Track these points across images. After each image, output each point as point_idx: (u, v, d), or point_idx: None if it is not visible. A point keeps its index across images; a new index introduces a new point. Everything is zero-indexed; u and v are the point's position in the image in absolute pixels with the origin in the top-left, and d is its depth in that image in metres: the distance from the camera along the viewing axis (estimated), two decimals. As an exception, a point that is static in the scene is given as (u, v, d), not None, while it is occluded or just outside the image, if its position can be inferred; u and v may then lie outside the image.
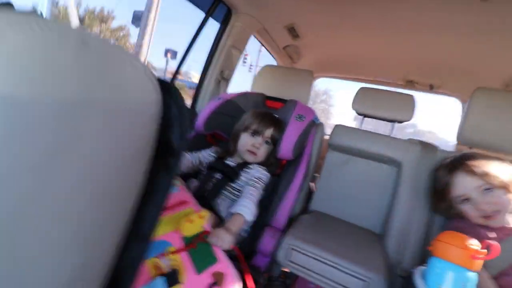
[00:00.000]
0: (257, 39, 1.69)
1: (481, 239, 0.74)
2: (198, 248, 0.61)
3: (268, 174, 0.95)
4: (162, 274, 0.50)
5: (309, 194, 1.22)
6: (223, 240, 0.65)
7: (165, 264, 0.54)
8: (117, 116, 0.22)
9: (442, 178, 0.82)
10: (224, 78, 1.44)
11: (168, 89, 0.32)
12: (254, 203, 0.82)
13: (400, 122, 1.22)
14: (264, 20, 1.47)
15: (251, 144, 0.94)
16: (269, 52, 1.95)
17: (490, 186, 0.72)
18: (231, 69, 1.48)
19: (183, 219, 0.61)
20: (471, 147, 0.98)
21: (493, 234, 0.74)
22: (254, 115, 0.98)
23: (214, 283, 0.59)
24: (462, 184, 0.76)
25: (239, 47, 1.46)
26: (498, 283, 0.66)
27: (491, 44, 1.26)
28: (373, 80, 2.20)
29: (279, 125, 0.97)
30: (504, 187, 0.72)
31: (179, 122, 0.31)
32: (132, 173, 0.26)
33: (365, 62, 1.95)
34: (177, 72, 1.33)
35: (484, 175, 0.72)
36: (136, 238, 0.32)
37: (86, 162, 0.21)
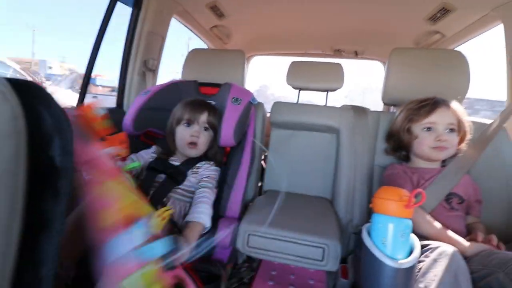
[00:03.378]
0: (180, 21, 1.56)
1: (412, 180, 0.84)
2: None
3: (218, 169, 0.91)
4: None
5: (262, 173, 1.22)
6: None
7: None
8: None
9: (419, 108, 0.86)
10: (149, 69, 1.30)
11: (33, 92, 0.25)
12: (210, 205, 0.79)
13: (333, 90, 1.28)
14: (182, 0, 1.34)
15: (189, 135, 0.87)
16: (196, 35, 1.83)
17: (456, 129, 0.83)
18: (156, 58, 1.34)
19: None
20: (396, 105, 1.08)
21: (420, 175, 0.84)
22: (184, 105, 0.91)
23: None
24: (440, 115, 0.83)
25: (160, 32, 1.32)
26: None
27: (398, 4, 1.37)
28: (304, 53, 2.26)
29: (213, 110, 0.93)
30: (462, 136, 0.85)
31: (58, 134, 0.24)
32: None
33: (295, 36, 1.97)
34: (89, 72, 1.14)
35: (458, 118, 0.83)
36: (35, 282, 0.25)
37: None
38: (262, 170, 1.23)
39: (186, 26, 1.67)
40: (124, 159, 0.83)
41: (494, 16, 1.16)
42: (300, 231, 0.78)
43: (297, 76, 1.29)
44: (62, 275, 0.55)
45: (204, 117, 0.90)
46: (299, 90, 1.33)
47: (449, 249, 0.57)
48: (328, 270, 0.79)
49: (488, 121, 0.95)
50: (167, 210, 0.56)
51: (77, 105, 1.17)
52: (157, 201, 0.80)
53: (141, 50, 1.27)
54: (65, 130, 0.25)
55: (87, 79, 1.17)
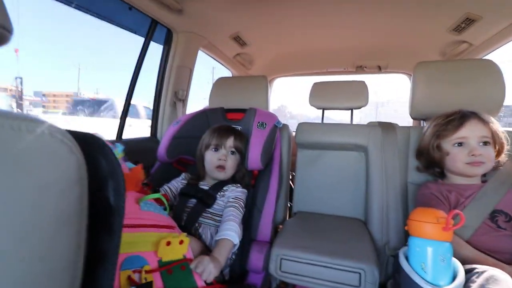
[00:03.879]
0: (205, 53, 1.68)
1: (449, 199, 0.79)
2: (174, 274, 0.56)
3: (245, 190, 0.93)
4: (136, 285, 0.48)
5: (291, 194, 1.21)
6: (207, 271, 0.62)
7: (137, 278, 0.51)
8: (21, 199, 0.19)
9: (447, 124, 0.82)
10: (179, 99, 1.40)
11: (92, 143, 0.29)
12: (238, 223, 0.80)
13: (357, 108, 1.27)
14: (207, 34, 1.45)
15: (217, 159, 0.92)
16: (221, 63, 1.95)
17: (490, 141, 0.77)
18: (185, 89, 1.44)
19: (163, 240, 0.57)
20: (425, 119, 1.04)
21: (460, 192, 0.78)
22: (211, 131, 0.97)
23: None
24: (471, 128, 0.78)
25: (188, 65, 1.43)
26: (473, 243, 0.70)
27: (419, 17, 1.35)
28: (326, 72, 2.27)
29: (239, 135, 0.97)
30: (499, 148, 0.78)
31: (112, 177, 0.28)
32: (58, 251, 0.23)
33: (316, 56, 2.01)
34: (128, 103, 1.26)
35: (492, 129, 0.77)
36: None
37: None
38: (291, 191, 1.23)
39: (211, 56, 1.79)
40: (149, 187, 0.89)
41: None
42: (334, 255, 0.75)
43: (320, 97, 1.30)
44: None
45: (230, 141, 0.94)
46: (323, 110, 1.34)
47: (498, 273, 0.53)
48: None
49: None
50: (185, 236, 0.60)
51: (118, 131, 1.29)
52: (190, 226, 0.83)
53: (172, 83, 1.38)
54: (118, 174, 0.29)
55: (126, 109, 1.29)
